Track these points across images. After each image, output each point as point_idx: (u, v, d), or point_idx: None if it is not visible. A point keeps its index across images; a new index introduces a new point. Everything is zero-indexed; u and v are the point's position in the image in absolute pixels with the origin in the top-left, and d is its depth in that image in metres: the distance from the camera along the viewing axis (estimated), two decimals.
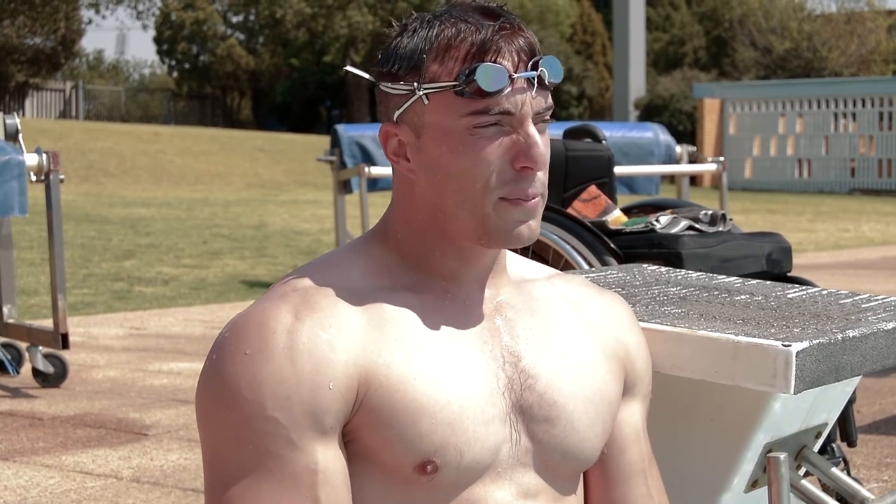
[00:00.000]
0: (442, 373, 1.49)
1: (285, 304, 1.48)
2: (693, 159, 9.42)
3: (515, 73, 1.48)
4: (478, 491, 1.52)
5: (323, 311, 1.47)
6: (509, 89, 1.48)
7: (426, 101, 1.50)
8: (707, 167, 9.37)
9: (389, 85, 1.52)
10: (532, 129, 1.49)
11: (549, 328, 1.61)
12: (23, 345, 5.88)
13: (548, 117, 1.53)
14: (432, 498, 1.50)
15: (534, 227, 1.53)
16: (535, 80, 1.49)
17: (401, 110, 1.52)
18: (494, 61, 1.48)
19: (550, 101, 1.53)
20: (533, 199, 1.52)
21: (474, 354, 1.53)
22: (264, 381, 1.43)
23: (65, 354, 5.74)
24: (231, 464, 1.44)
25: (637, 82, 31.62)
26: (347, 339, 1.47)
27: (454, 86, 1.48)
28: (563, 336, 1.62)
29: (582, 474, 1.66)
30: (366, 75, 1.58)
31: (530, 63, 1.50)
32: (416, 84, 1.50)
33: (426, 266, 1.56)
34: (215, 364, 1.47)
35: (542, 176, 1.52)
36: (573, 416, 1.57)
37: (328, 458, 1.44)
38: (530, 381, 1.56)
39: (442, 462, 1.47)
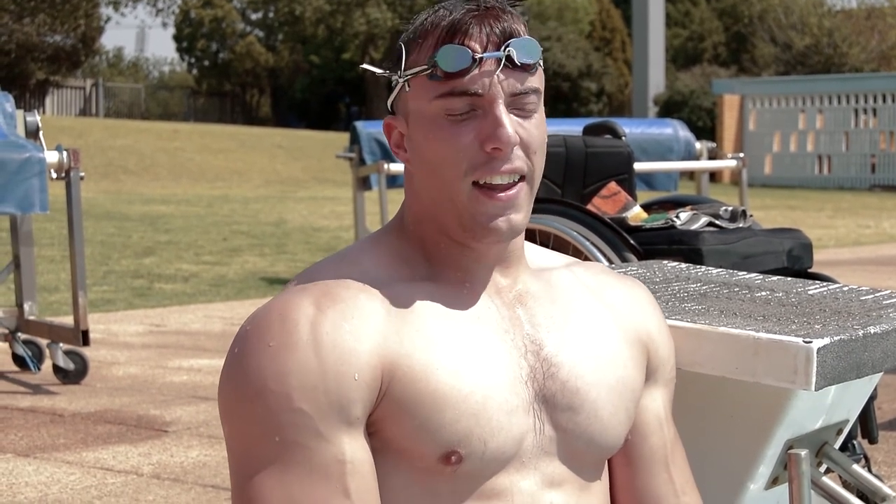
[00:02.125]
0: (465, 363, 1.49)
1: (306, 296, 1.48)
2: (713, 155, 9.42)
3: (483, 53, 1.48)
4: (502, 481, 1.51)
5: (344, 303, 1.47)
6: (477, 71, 1.48)
7: (408, 89, 1.52)
8: (727, 163, 9.37)
9: (379, 73, 1.55)
10: (500, 110, 1.48)
11: (569, 316, 1.61)
12: (43, 341, 5.90)
13: (532, 100, 1.50)
14: (456, 489, 1.49)
15: (515, 221, 1.51)
16: (505, 60, 1.48)
17: (391, 99, 1.56)
18: (462, 43, 1.48)
19: (534, 83, 1.51)
20: (510, 188, 1.49)
21: (496, 344, 1.53)
22: (290, 372, 1.43)
23: (85, 351, 5.76)
24: (258, 457, 1.44)
25: (656, 78, 31.55)
26: (370, 329, 1.46)
27: (424, 70, 1.50)
28: (584, 323, 1.61)
29: (606, 462, 1.66)
30: (378, 70, 1.59)
31: (502, 45, 1.49)
32: (399, 72, 1.53)
33: (439, 257, 1.56)
34: (238, 357, 1.47)
35: (521, 157, 1.50)
36: (596, 403, 1.57)
37: (355, 448, 1.44)
38: (553, 370, 1.55)
39: (466, 452, 1.47)
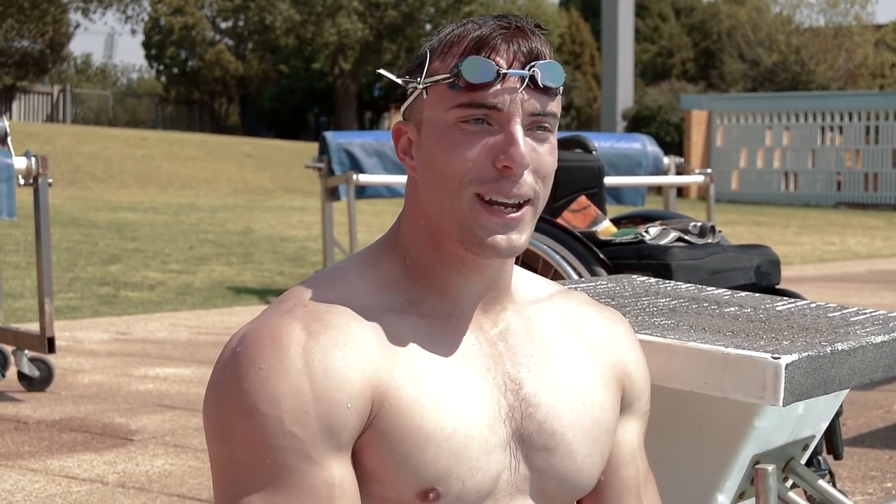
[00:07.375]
0: (449, 400, 1.48)
1: (296, 320, 1.46)
2: (680, 171, 9.45)
3: (508, 69, 1.48)
4: None
5: (336, 329, 1.46)
6: (499, 86, 1.47)
7: (425, 96, 1.51)
8: (694, 179, 9.39)
9: (401, 81, 1.55)
10: (516, 129, 1.47)
11: (549, 355, 1.60)
12: (8, 348, 5.86)
13: (548, 125, 1.50)
14: None
15: (515, 241, 1.50)
16: (529, 80, 1.48)
17: (405, 105, 1.55)
18: (489, 57, 1.48)
19: (552, 108, 1.50)
20: (517, 209, 1.49)
21: (478, 382, 1.52)
22: (282, 396, 1.42)
23: (50, 358, 5.73)
24: (248, 479, 1.43)
25: (625, 93, 31.65)
26: (361, 358, 1.46)
27: (446, 78, 1.49)
28: (563, 363, 1.61)
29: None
30: (395, 77, 1.58)
31: (528, 64, 1.49)
32: (418, 79, 1.52)
33: (429, 279, 1.54)
34: (229, 379, 1.45)
35: (530, 182, 1.49)
36: (572, 445, 1.57)
37: (344, 472, 1.44)
38: (531, 410, 1.55)
39: (444, 490, 1.47)
